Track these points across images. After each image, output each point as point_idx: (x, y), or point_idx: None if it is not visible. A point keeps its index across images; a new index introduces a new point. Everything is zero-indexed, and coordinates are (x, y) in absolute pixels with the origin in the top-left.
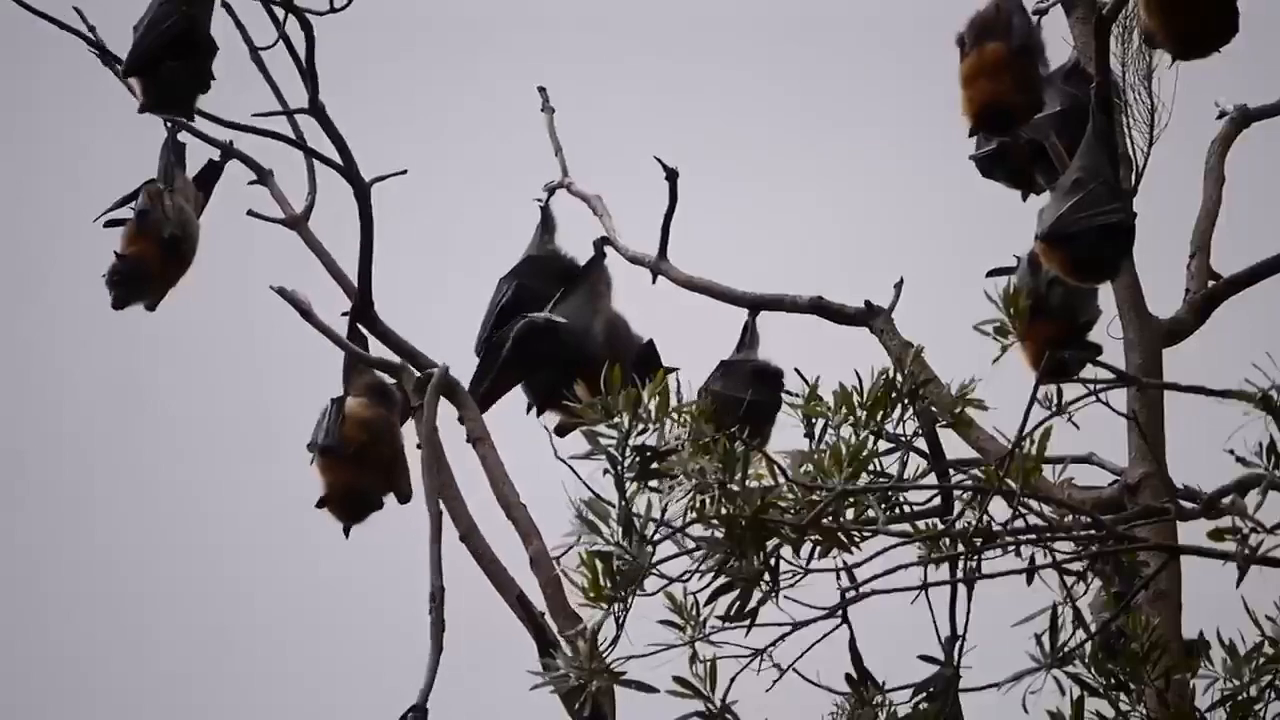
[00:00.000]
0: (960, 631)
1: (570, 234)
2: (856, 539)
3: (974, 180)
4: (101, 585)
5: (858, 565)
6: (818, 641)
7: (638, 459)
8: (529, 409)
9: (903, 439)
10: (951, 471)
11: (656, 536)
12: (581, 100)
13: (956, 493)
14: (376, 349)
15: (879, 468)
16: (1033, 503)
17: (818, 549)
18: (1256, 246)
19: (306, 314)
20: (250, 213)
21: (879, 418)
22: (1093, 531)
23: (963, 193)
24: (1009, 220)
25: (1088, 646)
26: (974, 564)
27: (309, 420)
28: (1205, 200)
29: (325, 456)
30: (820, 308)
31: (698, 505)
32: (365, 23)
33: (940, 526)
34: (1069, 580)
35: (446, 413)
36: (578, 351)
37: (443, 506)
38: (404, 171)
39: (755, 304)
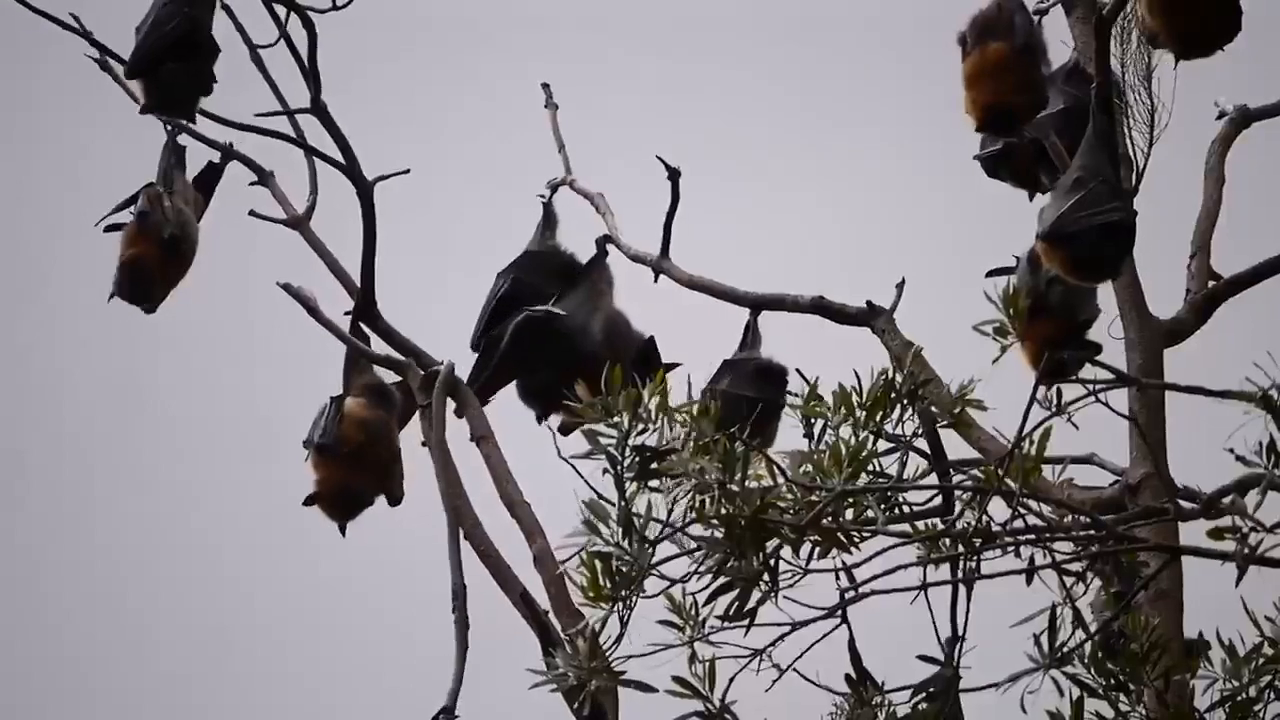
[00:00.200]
0: (960, 632)
1: (572, 232)
2: (856, 539)
3: (975, 180)
4: (101, 585)
5: (857, 565)
6: (817, 642)
7: (637, 459)
8: (538, 419)
9: (902, 439)
10: (951, 472)
11: (656, 536)
12: (582, 100)
13: (956, 493)
14: (379, 348)
15: (878, 468)
16: (1032, 503)
17: (817, 549)
18: (1257, 246)
19: (313, 310)
20: (252, 213)
21: (878, 418)
22: (1092, 532)
23: (963, 193)
24: (1010, 220)
25: (1087, 647)
26: (973, 564)
27: (309, 420)
28: (1206, 200)
29: (320, 454)
30: (822, 308)
31: (697, 505)
32: (365, 22)
33: (940, 527)
34: (1068, 581)
35: (449, 411)
36: (576, 348)
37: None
38: (406, 171)
39: (757, 303)
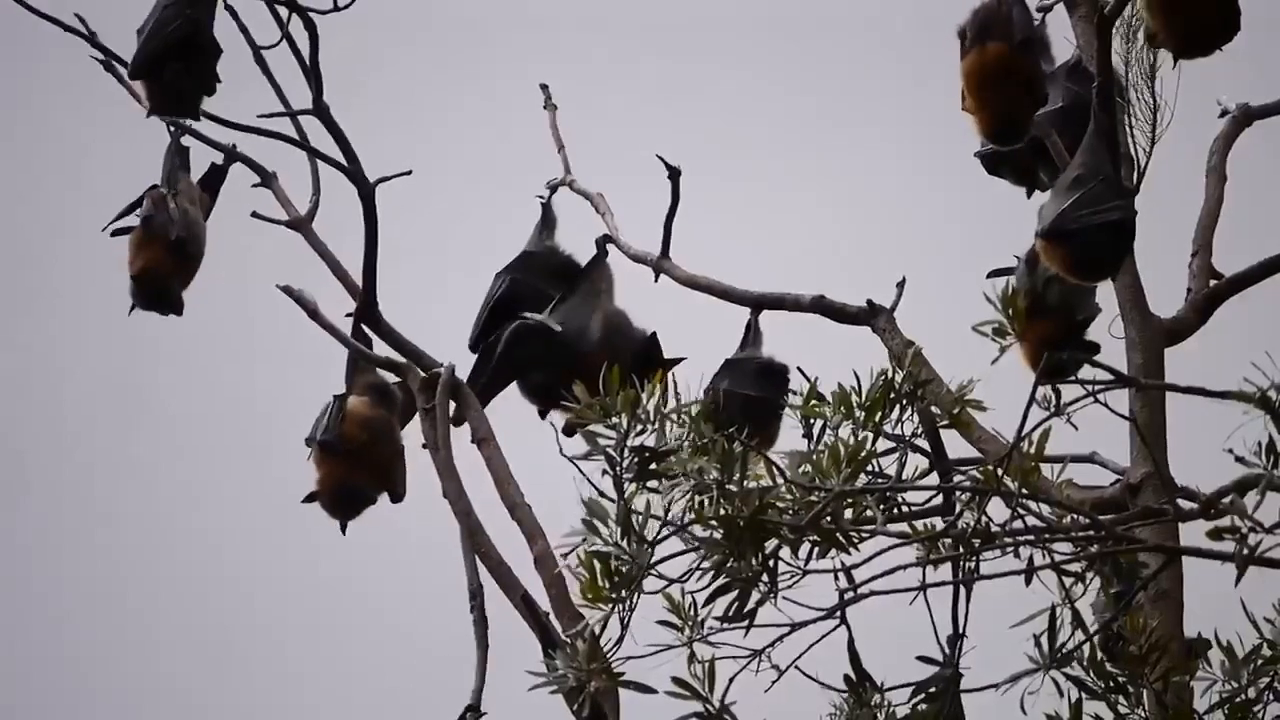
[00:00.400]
0: (960, 632)
1: (572, 232)
2: (855, 540)
3: (975, 179)
4: (101, 585)
5: (856, 566)
6: (816, 642)
7: (636, 459)
8: (541, 415)
9: (902, 439)
10: (951, 472)
11: (655, 537)
12: (582, 100)
13: (955, 493)
14: (380, 349)
15: (877, 468)
16: (1031, 503)
17: (816, 550)
18: (1258, 245)
19: (313, 313)
20: (255, 215)
21: (877, 418)
22: (1091, 532)
23: (963, 192)
24: (1010, 219)
25: (1086, 648)
26: (972, 565)
27: (310, 420)
28: (1207, 199)
29: (323, 451)
30: (822, 307)
31: (696, 506)
32: (367, 23)
33: (939, 527)
34: (1068, 581)
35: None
36: (573, 351)
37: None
38: (408, 172)
39: (757, 303)
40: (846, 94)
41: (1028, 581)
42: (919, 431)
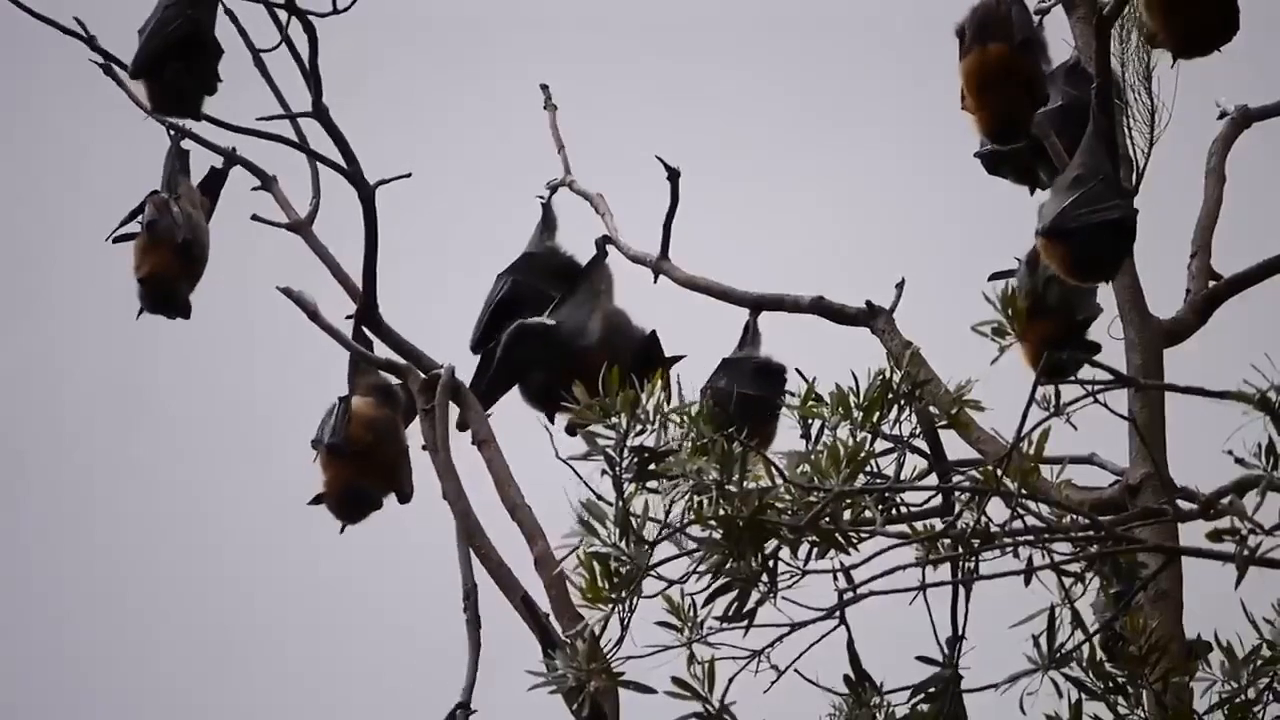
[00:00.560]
0: (960, 632)
1: (572, 232)
2: (854, 540)
3: (975, 179)
4: (101, 585)
5: (855, 566)
6: (816, 642)
7: (635, 460)
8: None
9: (900, 440)
10: (950, 472)
11: (655, 537)
12: (582, 100)
13: (954, 493)
14: (380, 351)
15: (876, 469)
16: (1031, 504)
17: (815, 550)
18: (1258, 246)
19: (313, 315)
20: (255, 217)
21: (875, 418)
22: (1090, 533)
23: (963, 192)
24: (1010, 219)
25: (1085, 648)
26: (972, 565)
27: (309, 421)
28: (1206, 200)
29: (329, 454)
30: (821, 308)
31: (695, 506)
32: (366, 24)
33: (939, 527)
34: (1067, 581)
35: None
36: (572, 351)
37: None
38: (408, 175)
39: (756, 304)
40: (846, 94)
41: (1027, 582)
42: (917, 432)
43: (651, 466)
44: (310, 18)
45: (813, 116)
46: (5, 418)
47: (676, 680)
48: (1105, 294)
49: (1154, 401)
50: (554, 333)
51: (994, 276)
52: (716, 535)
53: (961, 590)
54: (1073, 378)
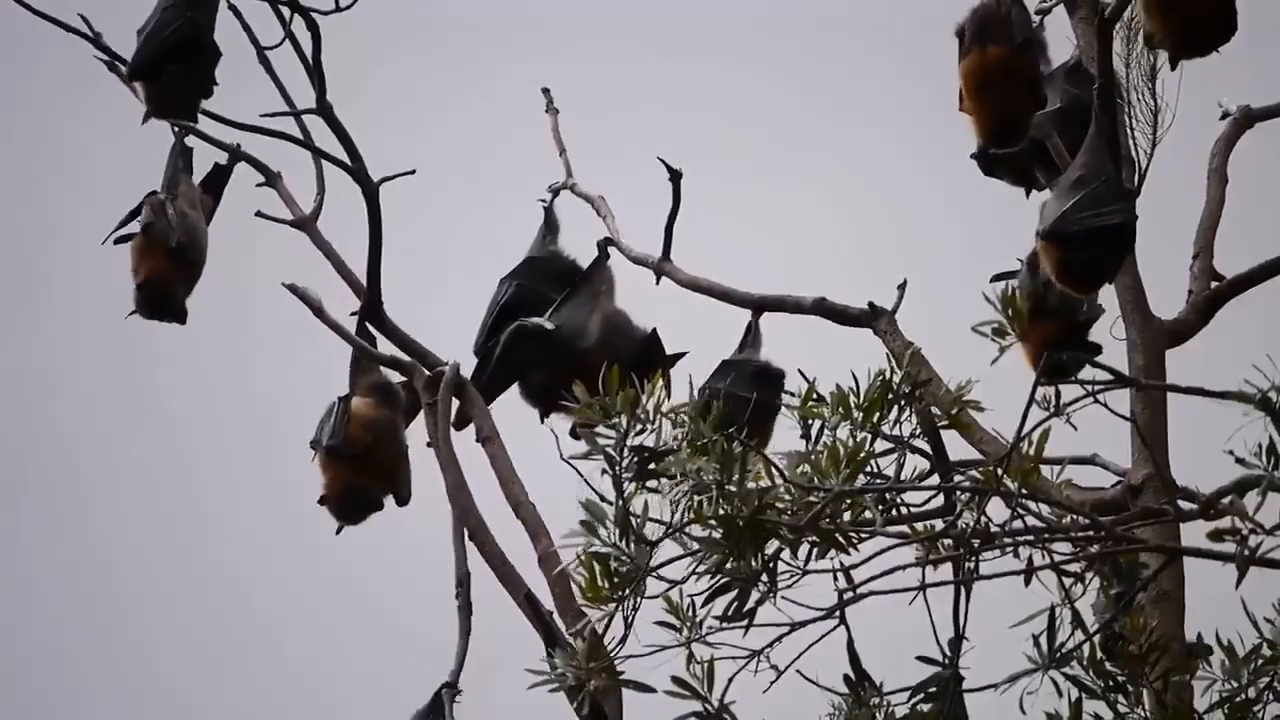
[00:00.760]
0: (960, 632)
1: (574, 235)
2: (854, 540)
3: (975, 179)
4: (101, 585)
5: (855, 566)
6: (815, 642)
7: (635, 460)
8: (541, 418)
9: (900, 440)
10: (951, 472)
11: (655, 537)
12: (583, 101)
13: (955, 493)
14: (385, 348)
15: (876, 469)
16: (1031, 504)
17: (815, 550)
18: (1260, 247)
19: (318, 311)
20: (259, 214)
21: (875, 418)
22: (1091, 533)
23: (964, 192)
24: (1011, 219)
25: (1086, 648)
26: (972, 565)
27: (310, 421)
28: (1209, 201)
29: (328, 456)
30: (823, 309)
31: (695, 506)
32: (369, 22)
33: (939, 527)
34: (1067, 581)
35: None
36: (571, 351)
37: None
38: (412, 171)
39: (758, 305)
40: (847, 94)
41: (1027, 582)
42: (918, 432)
43: (651, 466)
44: (313, 15)
45: (814, 117)
46: (5, 418)
47: (676, 680)
48: (1107, 294)
49: (1155, 402)
50: (552, 334)
51: (996, 277)
52: (716, 535)
53: (962, 590)
54: (1073, 378)
